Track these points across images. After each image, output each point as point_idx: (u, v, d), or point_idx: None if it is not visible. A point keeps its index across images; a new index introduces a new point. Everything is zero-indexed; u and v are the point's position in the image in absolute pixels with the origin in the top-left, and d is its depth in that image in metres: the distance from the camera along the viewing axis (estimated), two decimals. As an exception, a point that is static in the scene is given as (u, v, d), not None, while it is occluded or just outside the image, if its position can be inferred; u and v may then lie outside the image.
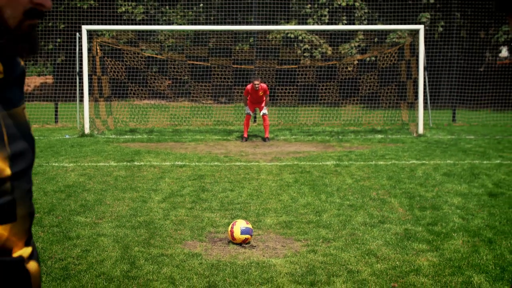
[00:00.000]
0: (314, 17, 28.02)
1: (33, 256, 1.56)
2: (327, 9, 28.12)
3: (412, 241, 6.11)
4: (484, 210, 7.40)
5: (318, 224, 6.81)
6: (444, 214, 7.21)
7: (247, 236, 6.06)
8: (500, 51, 30.67)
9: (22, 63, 1.60)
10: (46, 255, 5.61)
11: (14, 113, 1.47)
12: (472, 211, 7.35)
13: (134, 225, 6.68)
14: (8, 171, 1.42)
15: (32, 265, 1.54)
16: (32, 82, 34.97)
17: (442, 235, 6.31)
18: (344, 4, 27.73)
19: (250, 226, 6.15)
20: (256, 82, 14.79)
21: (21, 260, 1.50)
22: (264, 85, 15.11)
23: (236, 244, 6.07)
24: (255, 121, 19.30)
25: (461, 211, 7.37)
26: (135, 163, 11.19)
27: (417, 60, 16.49)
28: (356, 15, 27.90)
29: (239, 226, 6.09)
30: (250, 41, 25.02)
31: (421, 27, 16.42)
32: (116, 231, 6.44)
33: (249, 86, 15.07)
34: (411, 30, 18.71)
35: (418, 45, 16.53)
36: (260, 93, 14.97)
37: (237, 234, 6.05)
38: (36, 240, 6.08)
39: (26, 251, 1.52)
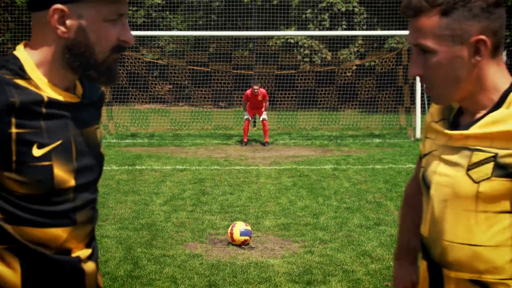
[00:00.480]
0: (315, 22, 28.28)
1: (92, 257, 1.75)
2: (327, 14, 28.38)
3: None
4: (478, 213, 7.60)
5: (315, 226, 7.01)
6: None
7: (246, 237, 6.26)
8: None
9: (103, 88, 1.84)
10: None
11: (85, 132, 1.68)
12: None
13: (136, 227, 6.88)
14: (72, 183, 1.62)
15: (89, 265, 1.72)
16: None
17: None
18: (343, 9, 28.01)
19: (249, 228, 6.35)
20: (256, 87, 15.00)
21: (78, 260, 1.68)
22: (263, 90, 15.33)
23: (236, 245, 6.26)
24: (254, 125, 19.51)
25: (455, 213, 7.57)
26: (137, 167, 11.40)
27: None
28: (355, 20, 28.16)
29: (239, 228, 6.29)
30: (250, 46, 25.27)
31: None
32: (119, 232, 6.64)
33: (248, 91, 15.29)
34: (404, 36, 18.92)
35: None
36: (259, 98, 15.18)
37: (237, 235, 6.25)
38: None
39: (85, 253, 1.71)
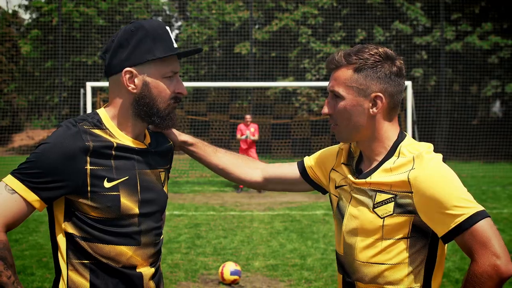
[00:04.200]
0: (312, 71, 29.07)
1: (154, 277, 2.21)
2: (324, 64, 29.16)
3: (385, 281, 6.72)
4: (457, 255, 8.02)
5: (302, 267, 7.43)
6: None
7: (236, 277, 6.69)
8: (493, 105, 31.58)
9: (171, 143, 2.39)
10: (54, 293, 6.22)
11: (149, 172, 2.18)
12: (445, 256, 7.96)
13: (133, 268, 7.30)
14: (136, 210, 2.10)
15: (150, 284, 2.18)
16: (36, 135, 35.83)
17: (414, 276, 6.92)
18: (340, 59, 28.79)
19: (239, 268, 6.78)
20: (248, 117, 15.76)
21: (140, 275, 2.13)
22: (255, 125, 16.07)
23: (226, 284, 6.68)
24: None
25: (435, 255, 7.98)
26: (136, 212, 11.83)
27: (406, 114, 17.30)
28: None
29: (229, 268, 6.73)
30: (248, 98, 25.99)
31: (409, 84, 17.31)
32: (117, 273, 7.06)
33: (240, 125, 16.01)
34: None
35: (406, 100, 17.37)
36: (252, 129, 15.82)
37: (227, 275, 6.67)
38: (44, 280, 6.71)
39: (148, 271, 2.16)
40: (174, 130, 2.45)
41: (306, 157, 2.54)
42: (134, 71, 2.08)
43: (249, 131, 15.97)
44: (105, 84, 19.00)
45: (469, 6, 27.61)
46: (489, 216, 1.93)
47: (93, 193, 2.02)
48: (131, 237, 2.10)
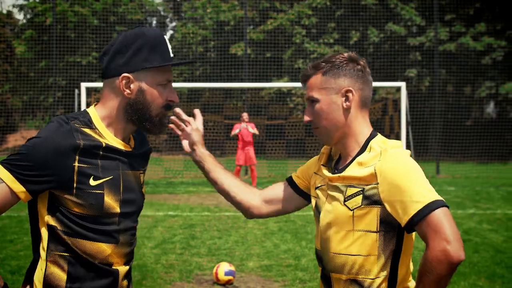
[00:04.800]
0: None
1: (127, 275, 2.29)
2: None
3: (379, 282, 6.75)
4: (450, 255, 8.06)
5: (296, 267, 7.46)
6: (413, 259, 7.84)
7: (230, 277, 6.71)
8: (487, 106, 31.72)
9: (150, 145, 2.47)
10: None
11: (132, 173, 2.25)
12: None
13: (130, 266, 7.31)
14: (117, 210, 2.17)
15: (124, 282, 2.26)
16: (30, 135, 35.77)
17: (407, 276, 6.96)
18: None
19: (233, 268, 6.80)
20: (244, 114, 15.72)
21: (117, 273, 2.21)
22: (252, 123, 16.02)
23: (220, 285, 6.70)
24: (246, 173, 20.05)
25: (429, 255, 8.03)
26: (130, 213, 11.85)
27: (400, 115, 17.36)
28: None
29: (223, 268, 6.75)
30: (242, 98, 26.02)
31: (403, 84, 17.38)
32: (111, 273, 7.07)
33: (236, 124, 15.95)
34: (393, 87, 19.67)
35: (400, 101, 17.44)
36: (249, 128, 15.79)
37: (221, 275, 6.69)
38: (39, 281, 6.70)
39: (123, 269, 2.24)
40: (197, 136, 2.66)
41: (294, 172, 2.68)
42: (131, 77, 2.16)
43: (245, 123, 15.90)
44: (99, 84, 18.99)
45: (463, 7, 27.71)
46: (447, 206, 2.02)
47: (79, 189, 2.08)
48: (111, 235, 2.16)
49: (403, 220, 2.04)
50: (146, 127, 2.22)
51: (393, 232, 2.15)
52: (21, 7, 33.99)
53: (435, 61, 22.92)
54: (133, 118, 2.19)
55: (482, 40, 26.86)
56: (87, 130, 2.14)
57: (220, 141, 23.66)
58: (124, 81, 2.16)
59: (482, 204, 13.16)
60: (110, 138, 2.18)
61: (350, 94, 2.23)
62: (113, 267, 2.19)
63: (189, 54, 31.49)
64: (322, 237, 2.29)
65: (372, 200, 2.13)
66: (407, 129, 17.74)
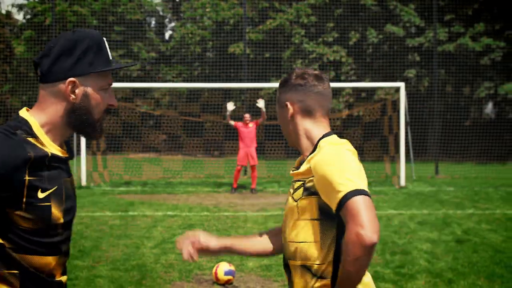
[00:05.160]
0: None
1: (66, 285, 2.24)
2: (317, 64, 29.26)
3: (379, 282, 6.77)
4: (450, 255, 8.07)
5: (296, 267, 7.46)
6: (412, 258, 7.88)
7: (230, 277, 6.71)
8: (485, 107, 31.74)
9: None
10: (48, 293, 6.24)
11: (69, 180, 2.21)
12: (438, 256, 8.03)
13: (127, 268, 7.32)
14: (61, 220, 2.11)
15: None
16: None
17: (407, 276, 6.98)
18: (332, 58, 28.90)
19: (233, 268, 6.80)
20: (247, 115, 15.60)
21: (61, 284, 2.18)
22: (254, 122, 15.78)
23: (220, 284, 6.70)
24: (245, 173, 20.06)
25: (428, 255, 8.05)
26: (129, 213, 11.86)
27: (398, 115, 17.37)
28: (342, 70, 29.02)
29: (223, 268, 6.74)
30: (242, 99, 26.01)
31: (402, 85, 17.38)
32: (111, 273, 7.08)
33: (238, 123, 15.74)
34: (392, 87, 19.67)
35: (399, 101, 17.45)
36: (250, 125, 15.63)
37: (221, 275, 6.69)
38: (39, 281, 6.71)
39: (64, 278, 2.20)
40: (207, 238, 2.66)
41: None
42: (77, 82, 2.10)
43: (250, 122, 15.72)
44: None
45: (462, 7, 27.73)
46: (368, 195, 2.17)
47: (28, 204, 1.99)
48: (56, 246, 2.11)
49: (333, 207, 2.22)
50: (86, 131, 2.17)
51: (332, 219, 2.32)
52: (20, 7, 33.94)
53: (434, 61, 22.94)
54: (75, 123, 2.13)
55: (481, 40, 26.88)
56: (32, 140, 2.04)
57: (219, 141, 23.67)
58: (70, 86, 2.09)
59: (481, 204, 13.17)
60: (50, 146, 2.10)
61: (290, 107, 2.54)
62: (57, 279, 2.14)
63: (188, 54, 31.49)
64: (283, 228, 2.55)
65: (310, 191, 2.35)
66: (406, 129, 17.74)
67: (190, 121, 24.09)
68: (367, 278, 2.43)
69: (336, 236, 2.32)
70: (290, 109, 2.53)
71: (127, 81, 29.27)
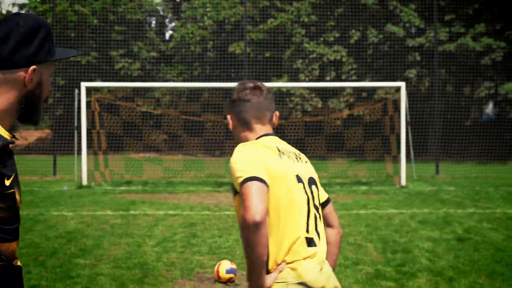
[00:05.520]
0: (306, 71, 29.14)
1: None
2: (318, 64, 29.28)
3: (380, 280, 6.78)
4: (451, 253, 8.09)
5: (297, 265, 7.47)
6: (413, 257, 7.90)
7: (232, 275, 6.72)
8: (486, 107, 31.75)
9: None
10: (51, 291, 6.27)
11: (15, 166, 2.17)
12: (439, 254, 8.04)
13: (129, 266, 7.34)
14: (20, 205, 2.12)
15: None
16: (29, 135, 35.75)
17: (408, 275, 6.99)
18: (332, 58, 28.92)
19: (234, 266, 6.81)
20: None
21: (21, 269, 2.16)
22: None
23: (222, 282, 6.72)
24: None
25: (429, 254, 8.06)
26: (131, 212, 11.87)
27: (399, 115, 17.38)
28: (343, 70, 29.04)
29: (224, 266, 6.76)
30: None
31: (402, 84, 17.40)
32: (113, 271, 7.10)
33: None
34: (393, 87, 19.67)
35: (400, 101, 17.46)
36: None
37: (223, 273, 6.71)
38: (40, 278, 6.73)
39: (18, 262, 2.17)
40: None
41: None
42: (37, 69, 2.12)
43: None
44: (99, 84, 19.05)
45: (462, 7, 27.74)
46: (256, 180, 2.48)
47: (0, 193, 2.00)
48: (17, 231, 2.11)
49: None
50: (31, 119, 2.18)
51: None
52: (21, 6, 33.95)
53: (434, 61, 22.95)
54: (24, 109, 2.13)
55: (482, 40, 26.89)
56: None
57: (220, 141, 23.68)
58: (31, 73, 2.09)
59: (482, 203, 13.18)
60: (4, 133, 2.08)
61: (230, 119, 2.96)
62: (18, 264, 2.14)
63: (189, 54, 31.50)
64: None
65: (235, 191, 2.68)
66: (406, 129, 17.75)
67: (190, 121, 24.10)
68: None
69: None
70: (231, 122, 2.95)
71: (127, 81, 29.29)
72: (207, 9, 31.59)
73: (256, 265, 2.43)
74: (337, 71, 29.22)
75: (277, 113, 3.01)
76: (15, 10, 42.70)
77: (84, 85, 17.37)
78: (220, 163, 21.85)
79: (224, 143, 23.62)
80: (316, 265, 2.58)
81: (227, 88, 22.81)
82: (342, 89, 27.91)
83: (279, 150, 2.72)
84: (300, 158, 2.84)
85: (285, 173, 2.63)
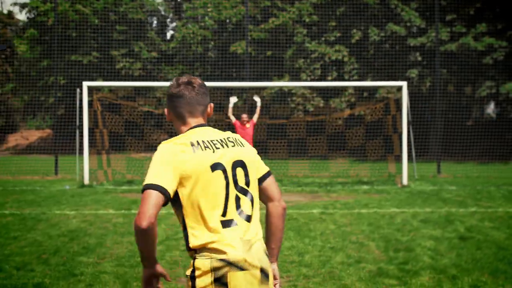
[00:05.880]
0: (307, 71, 29.14)
1: None
2: (320, 63, 29.27)
3: (383, 277, 6.79)
4: (453, 252, 8.09)
5: (300, 263, 7.49)
6: (416, 255, 7.90)
7: (235, 273, 6.73)
8: (488, 106, 31.72)
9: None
10: (54, 289, 6.29)
11: None
12: (442, 252, 8.05)
13: (132, 264, 7.35)
14: None
15: None
16: (30, 135, 35.77)
17: (411, 272, 7.00)
18: (334, 58, 28.92)
19: (237, 264, 6.82)
20: (244, 116, 15.60)
21: None
22: (253, 121, 15.76)
23: (225, 280, 6.72)
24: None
25: (432, 252, 8.07)
26: (133, 211, 11.88)
27: (401, 114, 17.38)
28: (345, 69, 29.03)
29: (228, 264, 6.77)
30: (243, 98, 26.03)
31: (404, 84, 17.40)
32: (116, 269, 7.11)
33: (236, 121, 15.76)
34: (394, 87, 19.67)
35: (402, 100, 17.46)
36: (247, 125, 15.62)
37: (226, 271, 6.72)
38: (44, 276, 6.75)
39: None
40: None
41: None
42: None
43: (246, 122, 15.68)
44: (101, 83, 19.06)
45: (463, 7, 27.73)
46: (153, 189, 2.76)
47: None
48: None
49: None
50: None
51: (178, 203, 2.89)
52: (22, 6, 33.96)
53: (436, 61, 22.96)
54: None
55: (483, 40, 26.88)
56: None
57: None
58: None
59: (484, 202, 13.18)
60: None
61: (167, 113, 3.19)
62: None
63: (190, 54, 31.51)
64: None
65: None
66: (408, 128, 17.75)
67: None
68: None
69: (182, 217, 2.89)
70: (168, 115, 3.17)
71: (129, 80, 29.30)
72: (208, 9, 31.59)
73: (141, 253, 2.84)
74: (339, 71, 29.21)
75: (211, 104, 3.20)
76: (16, 9, 42.70)
77: (86, 84, 17.38)
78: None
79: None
80: (240, 244, 2.86)
81: (228, 87, 22.81)
82: (344, 88, 27.92)
83: (193, 144, 2.92)
84: (226, 144, 3.02)
85: (196, 168, 2.86)
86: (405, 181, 16.76)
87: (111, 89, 26.52)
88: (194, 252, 2.87)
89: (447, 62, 26.79)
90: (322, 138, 21.59)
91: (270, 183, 3.14)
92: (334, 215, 11.36)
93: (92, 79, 28.39)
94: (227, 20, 31.72)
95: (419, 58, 28.24)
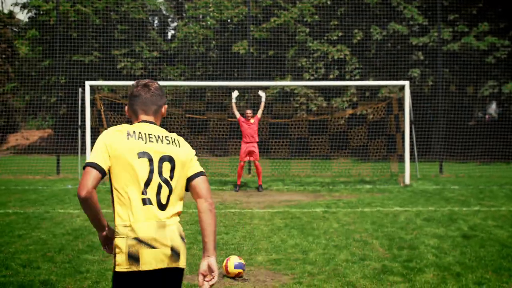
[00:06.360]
0: (310, 70, 29.14)
1: None
2: (322, 62, 29.27)
3: (388, 275, 6.81)
4: (457, 250, 8.11)
5: (304, 261, 7.51)
6: (420, 253, 7.92)
7: (240, 270, 6.76)
8: (489, 106, 31.70)
9: None
10: (61, 286, 6.30)
11: None
12: (445, 250, 8.07)
13: (137, 262, 7.36)
14: None
15: None
16: (31, 135, 35.79)
17: (415, 270, 7.02)
18: (336, 57, 28.92)
19: (242, 261, 6.85)
20: (248, 112, 15.64)
21: None
22: (257, 116, 15.78)
23: (230, 277, 6.75)
24: (249, 172, 20.10)
25: (435, 250, 8.09)
26: (136, 210, 11.88)
27: (403, 114, 17.39)
28: (346, 69, 29.04)
29: (233, 261, 6.79)
30: (246, 97, 26.03)
31: (406, 83, 17.41)
32: (121, 266, 7.12)
33: (241, 117, 15.78)
34: (396, 86, 19.67)
35: (404, 100, 17.47)
36: (252, 120, 15.65)
37: (231, 268, 6.74)
38: (50, 274, 6.77)
39: None
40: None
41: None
42: None
43: (251, 118, 15.70)
44: (103, 83, 19.06)
45: (466, 6, 27.74)
46: (91, 166, 3.23)
47: None
48: None
49: None
50: None
51: (110, 180, 3.35)
52: (24, 5, 33.97)
53: (438, 60, 22.97)
54: None
55: (485, 39, 26.88)
56: None
57: (223, 140, 23.69)
58: None
59: (486, 201, 13.20)
60: None
61: (126, 110, 3.63)
62: None
63: (191, 54, 31.54)
64: None
65: None
66: (410, 128, 17.76)
67: (194, 119, 24.12)
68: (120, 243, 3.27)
69: (113, 199, 3.33)
70: (127, 112, 3.60)
71: (130, 80, 29.31)
72: (210, 9, 31.60)
73: (91, 221, 3.34)
74: (341, 70, 29.22)
75: (165, 106, 3.62)
76: (17, 9, 42.73)
77: (88, 83, 17.39)
78: (224, 162, 21.87)
79: (227, 142, 23.64)
80: (152, 225, 3.27)
81: (230, 86, 22.85)
82: (346, 88, 27.93)
83: (129, 134, 3.37)
84: (161, 140, 3.44)
85: (124, 152, 3.30)
86: (407, 180, 16.77)
87: (112, 89, 26.53)
88: (114, 231, 3.31)
89: (449, 61, 26.80)
90: (324, 138, 21.61)
91: (199, 182, 3.52)
92: (337, 214, 11.38)
93: (93, 79, 28.40)
94: (229, 20, 31.73)
95: (421, 58, 28.24)
